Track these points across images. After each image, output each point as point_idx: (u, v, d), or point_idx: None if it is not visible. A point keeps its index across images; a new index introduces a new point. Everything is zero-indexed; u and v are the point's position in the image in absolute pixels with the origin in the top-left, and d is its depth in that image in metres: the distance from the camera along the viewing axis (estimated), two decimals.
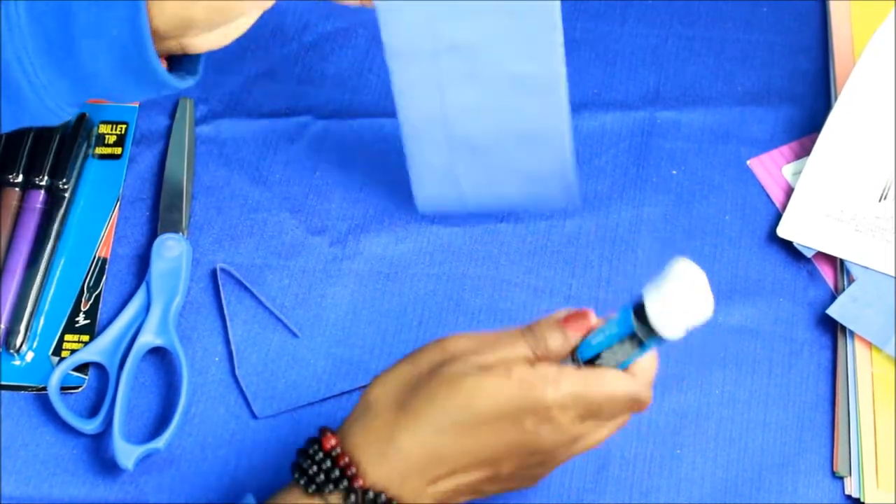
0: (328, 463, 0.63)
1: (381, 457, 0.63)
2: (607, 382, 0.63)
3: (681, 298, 0.59)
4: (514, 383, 0.62)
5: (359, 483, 0.63)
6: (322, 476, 0.63)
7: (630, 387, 0.64)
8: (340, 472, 0.63)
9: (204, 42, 0.71)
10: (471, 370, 0.63)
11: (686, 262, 0.59)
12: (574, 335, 0.65)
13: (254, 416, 0.76)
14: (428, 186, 0.79)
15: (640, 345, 0.62)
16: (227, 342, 0.78)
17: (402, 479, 0.63)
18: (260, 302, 0.80)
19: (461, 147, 0.77)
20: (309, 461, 0.64)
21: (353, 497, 0.63)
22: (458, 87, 0.74)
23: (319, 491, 0.63)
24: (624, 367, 0.64)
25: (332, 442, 0.63)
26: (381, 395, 0.64)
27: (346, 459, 0.63)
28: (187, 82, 0.72)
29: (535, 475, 0.66)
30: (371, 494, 0.62)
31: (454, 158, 0.77)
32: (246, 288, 0.80)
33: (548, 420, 0.63)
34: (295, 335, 0.79)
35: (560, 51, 0.72)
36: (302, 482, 0.63)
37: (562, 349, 0.64)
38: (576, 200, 0.79)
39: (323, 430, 0.64)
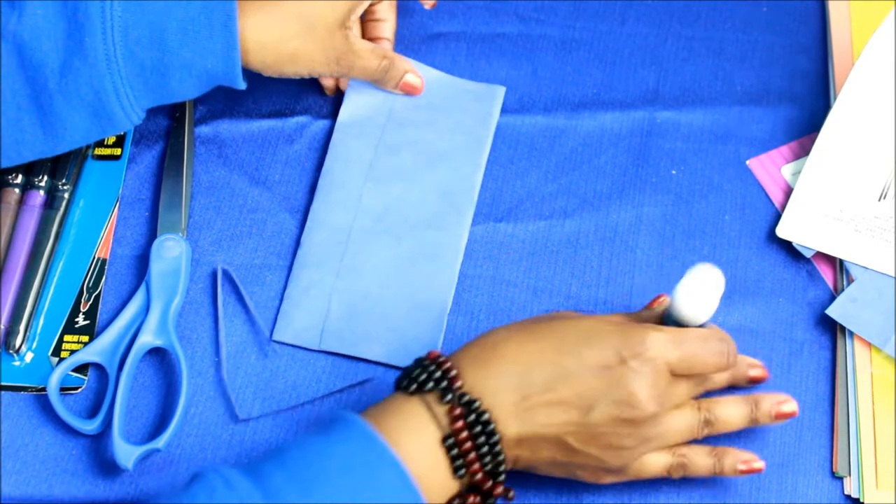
0: (432, 367, 0.67)
1: (483, 363, 0.67)
2: (696, 331, 0.70)
3: (693, 291, 0.69)
4: (618, 326, 0.69)
5: (457, 384, 0.66)
6: (424, 375, 0.67)
7: (715, 331, 0.71)
8: (442, 374, 0.67)
9: None
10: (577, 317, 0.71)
11: (704, 266, 0.69)
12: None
13: (236, 418, 0.76)
14: (295, 317, 0.79)
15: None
16: (233, 333, 0.78)
17: (496, 389, 0.66)
18: (258, 303, 0.80)
19: (347, 286, 0.79)
20: (414, 366, 0.68)
21: (448, 396, 0.66)
22: (368, 233, 0.81)
23: (420, 389, 0.67)
24: None
25: (438, 353, 0.68)
26: (494, 330, 0.70)
27: (448, 364, 0.67)
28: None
29: (614, 462, 0.69)
30: (466, 397, 0.66)
31: (335, 295, 0.79)
32: (245, 288, 0.80)
33: (646, 362, 0.67)
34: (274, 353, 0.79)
35: (463, 240, 0.81)
36: (404, 384, 0.67)
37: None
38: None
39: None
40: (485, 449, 0.66)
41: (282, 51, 0.78)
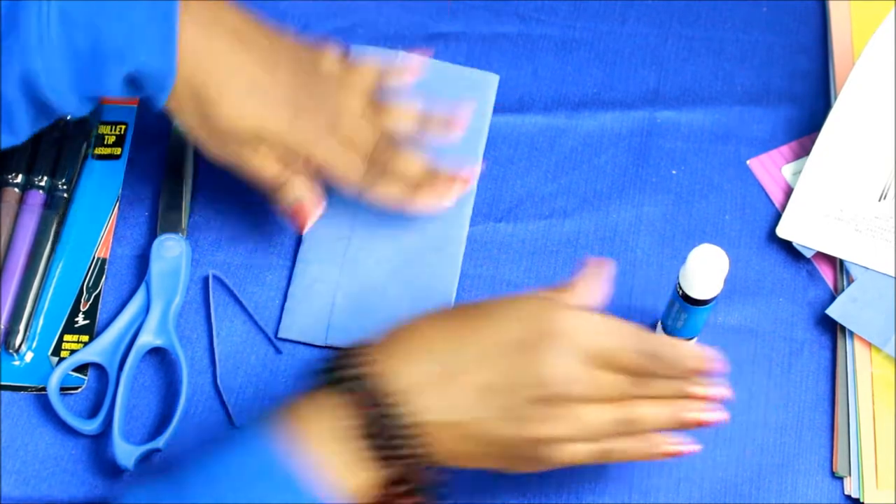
0: (348, 358, 0.65)
1: (400, 351, 0.65)
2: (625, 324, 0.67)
3: (695, 271, 0.70)
4: (542, 303, 0.66)
5: (371, 374, 0.64)
6: (339, 368, 0.65)
7: (640, 332, 0.67)
8: (357, 365, 0.64)
9: None
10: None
11: (704, 247, 0.70)
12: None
13: (232, 426, 0.76)
14: (300, 314, 0.79)
15: (682, 306, 0.72)
16: (227, 344, 0.78)
17: (411, 376, 0.64)
18: (258, 303, 0.80)
19: (352, 281, 0.80)
20: (333, 358, 0.66)
21: (361, 387, 0.64)
22: (370, 227, 0.82)
23: (336, 382, 0.64)
24: (677, 331, 0.75)
25: (358, 344, 0.66)
26: (415, 318, 0.68)
27: (363, 355, 0.65)
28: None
29: (532, 446, 0.66)
30: (380, 387, 0.64)
31: (340, 290, 0.80)
32: (242, 291, 0.80)
33: (561, 338, 0.65)
34: (278, 351, 0.79)
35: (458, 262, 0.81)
36: (322, 377, 0.65)
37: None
38: None
39: None
40: (401, 436, 0.64)
41: (203, 92, 0.73)
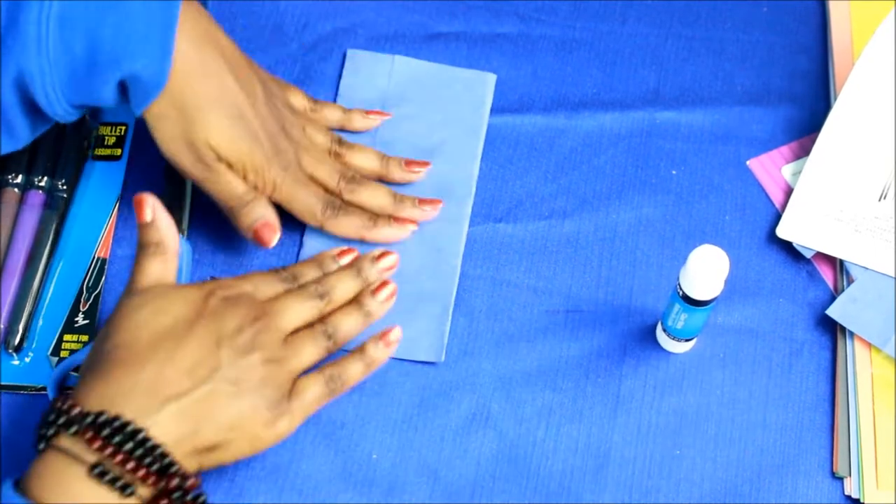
0: (49, 414, 0.65)
1: (99, 380, 0.66)
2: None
3: (696, 272, 0.70)
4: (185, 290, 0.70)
5: (75, 411, 0.64)
6: (43, 425, 0.65)
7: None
8: (57, 412, 0.65)
9: None
10: None
11: (705, 247, 0.70)
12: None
13: None
14: None
15: (682, 307, 0.72)
16: None
17: (120, 395, 0.65)
18: None
19: None
20: (40, 422, 0.66)
21: (73, 427, 0.64)
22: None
23: (49, 440, 0.65)
24: (678, 331, 0.75)
25: (54, 399, 0.66)
26: (97, 341, 0.69)
27: (60, 401, 0.65)
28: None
29: (270, 399, 0.68)
30: (90, 416, 0.64)
31: None
32: None
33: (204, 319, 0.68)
34: None
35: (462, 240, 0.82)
36: (37, 444, 0.65)
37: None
38: (440, 357, 0.78)
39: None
40: (138, 452, 0.64)
41: (186, 103, 0.73)
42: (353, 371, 0.73)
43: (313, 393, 0.70)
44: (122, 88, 0.72)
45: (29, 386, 0.76)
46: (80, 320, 0.78)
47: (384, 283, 0.76)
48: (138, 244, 0.72)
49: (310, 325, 0.72)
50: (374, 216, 0.80)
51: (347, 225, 0.79)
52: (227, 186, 0.76)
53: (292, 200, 0.78)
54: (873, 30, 0.86)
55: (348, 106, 0.85)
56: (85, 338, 0.77)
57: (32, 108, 0.72)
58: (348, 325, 0.74)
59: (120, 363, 0.66)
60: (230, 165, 0.75)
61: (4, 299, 0.77)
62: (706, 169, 0.85)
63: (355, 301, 0.75)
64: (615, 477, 0.75)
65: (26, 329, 0.77)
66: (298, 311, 0.72)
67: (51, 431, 0.65)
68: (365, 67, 0.87)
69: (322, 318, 0.73)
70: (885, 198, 0.82)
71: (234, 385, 0.67)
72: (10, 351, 0.77)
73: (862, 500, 0.74)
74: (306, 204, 0.78)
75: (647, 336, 0.79)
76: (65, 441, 0.64)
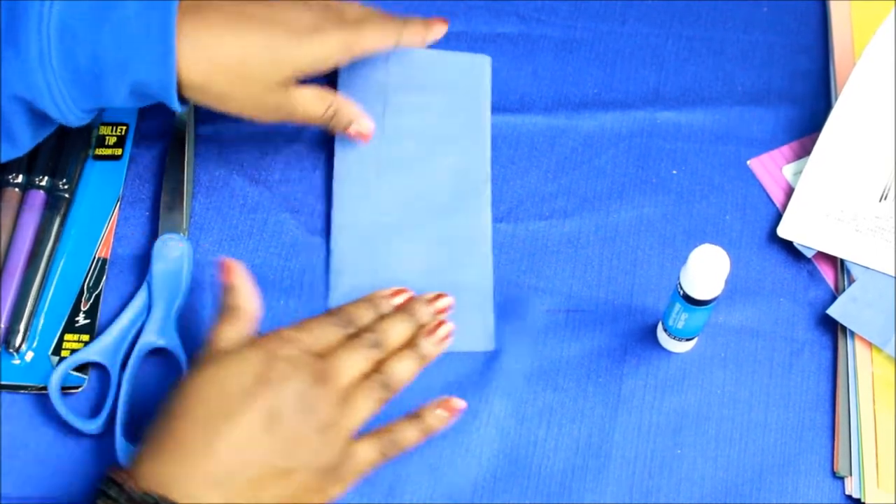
0: (110, 490, 0.65)
1: (158, 460, 0.66)
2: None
3: (696, 271, 0.70)
4: (257, 351, 0.69)
5: (130, 486, 0.64)
6: (104, 498, 0.65)
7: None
8: (120, 490, 0.64)
9: None
10: None
11: (705, 247, 0.70)
12: None
13: None
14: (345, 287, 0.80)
15: (683, 307, 0.72)
16: None
17: (179, 477, 0.65)
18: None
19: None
20: (99, 494, 0.65)
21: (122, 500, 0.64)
22: (395, 229, 0.81)
23: None
24: (678, 331, 0.75)
25: (116, 470, 0.66)
26: (160, 419, 0.68)
27: (122, 478, 0.65)
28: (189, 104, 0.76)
29: (324, 461, 0.68)
30: (152, 498, 0.64)
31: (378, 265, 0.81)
32: None
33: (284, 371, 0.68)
34: None
35: (487, 212, 0.82)
36: None
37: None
38: (490, 345, 0.78)
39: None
40: None
41: (211, 90, 0.73)
42: (409, 435, 0.73)
43: (367, 458, 0.71)
44: (140, 93, 0.72)
45: (29, 385, 0.76)
46: (81, 320, 0.78)
47: (440, 324, 0.75)
48: (220, 304, 0.72)
49: (365, 375, 0.72)
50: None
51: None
52: (306, 116, 0.77)
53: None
54: (874, 30, 0.86)
55: (349, 97, 0.83)
56: (86, 337, 0.77)
57: (36, 117, 0.72)
58: (403, 371, 0.73)
59: (174, 438, 0.66)
60: (286, 85, 0.74)
61: (5, 299, 0.77)
62: (707, 169, 0.85)
63: (410, 344, 0.74)
64: (616, 476, 0.75)
65: (27, 329, 0.77)
66: (355, 362, 0.71)
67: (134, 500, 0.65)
68: (357, 80, 0.86)
69: (377, 366, 0.72)
70: (885, 198, 0.82)
71: (287, 460, 0.67)
72: (11, 350, 0.77)
73: (863, 500, 0.74)
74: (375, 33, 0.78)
75: (647, 336, 0.79)
76: None
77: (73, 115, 0.72)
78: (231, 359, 0.69)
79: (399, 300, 0.76)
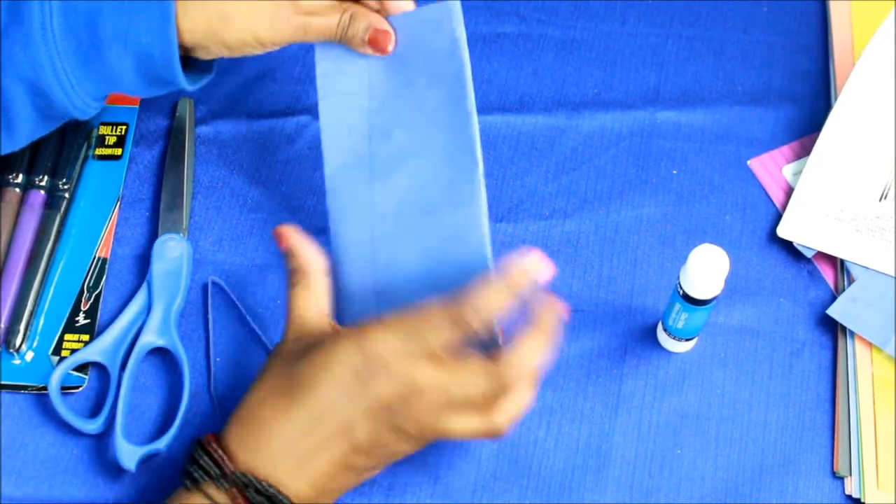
0: (202, 456, 0.66)
1: (250, 436, 0.66)
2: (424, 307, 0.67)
3: (696, 271, 0.70)
4: (349, 343, 0.66)
5: (229, 467, 0.65)
6: (195, 466, 0.66)
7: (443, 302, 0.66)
8: (212, 461, 0.65)
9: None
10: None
11: (705, 247, 0.70)
12: None
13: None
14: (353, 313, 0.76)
15: (683, 306, 0.72)
16: (230, 342, 0.78)
17: (269, 459, 0.65)
18: (259, 303, 0.80)
19: (390, 298, 0.75)
20: (189, 461, 0.66)
21: (225, 483, 0.65)
22: (391, 239, 0.75)
23: (197, 483, 0.65)
24: (678, 331, 0.75)
25: (209, 439, 0.66)
26: (251, 392, 0.68)
27: (217, 448, 0.65)
28: (202, 82, 0.75)
29: (403, 444, 0.67)
30: (243, 477, 0.64)
31: (382, 311, 0.74)
32: (243, 291, 0.80)
33: (378, 365, 0.65)
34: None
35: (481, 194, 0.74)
36: (186, 483, 0.66)
37: None
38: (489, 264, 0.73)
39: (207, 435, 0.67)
40: None
41: (210, 15, 0.70)
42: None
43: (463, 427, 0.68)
44: (149, 74, 0.71)
45: (30, 385, 0.76)
46: (81, 320, 0.78)
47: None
48: (287, 270, 0.71)
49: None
50: None
51: None
52: (322, 28, 0.72)
53: None
54: (874, 30, 0.86)
55: (330, 96, 0.78)
56: (86, 337, 0.77)
57: (40, 105, 0.71)
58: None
59: (273, 415, 0.66)
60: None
61: (5, 299, 0.77)
62: (707, 169, 0.85)
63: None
64: (616, 476, 0.75)
65: (27, 329, 0.77)
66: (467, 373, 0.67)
67: (203, 478, 0.65)
68: (335, 49, 0.78)
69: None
70: (885, 198, 0.82)
71: (388, 459, 0.68)
72: (11, 350, 0.77)
73: (862, 500, 0.74)
74: None
75: (647, 335, 0.79)
76: (211, 489, 0.65)
77: (77, 98, 0.71)
78: (330, 344, 0.67)
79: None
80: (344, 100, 0.77)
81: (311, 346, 0.67)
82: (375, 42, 0.73)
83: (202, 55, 0.72)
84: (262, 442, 0.65)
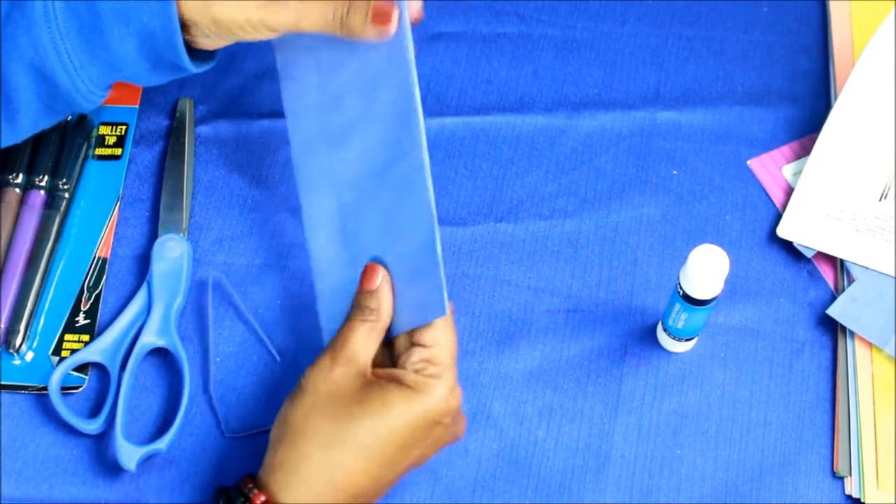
0: (239, 499, 0.66)
1: (291, 475, 0.66)
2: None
3: (696, 271, 0.70)
4: (404, 410, 0.68)
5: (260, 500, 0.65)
6: None
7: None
8: (245, 499, 0.65)
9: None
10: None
11: (705, 247, 0.70)
12: None
13: (223, 434, 0.76)
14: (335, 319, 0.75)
15: (683, 306, 0.73)
16: (230, 342, 0.78)
17: (315, 497, 0.65)
18: (258, 303, 0.80)
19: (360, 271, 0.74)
20: (220, 498, 0.67)
21: None
22: (354, 210, 0.75)
23: None
24: (678, 331, 0.75)
25: (247, 478, 0.67)
26: (292, 423, 0.68)
27: (254, 490, 0.66)
28: (206, 66, 0.74)
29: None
30: None
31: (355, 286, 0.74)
32: (243, 291, 0.80)
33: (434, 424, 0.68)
34: (275, 358, 0.78)
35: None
36: None
37: None
38: (443, 311, 0.70)
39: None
40: None
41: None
42: None
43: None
44: (154, 55, 0.70)
45: (30, 386, 0.76)
46: (81, 320, 0.78)
47: None
48: (353, 305, 0.72)
49: None
50: None
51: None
52: (318, 19, 0.70)
53: None
54: (874, 30, 0.86)
55: (287, 79, 0.77)
56: (86, 337, 0.77)
57: (44, 93, 0.71)
58: None
59: (307, 450, 0.67)
60: None
61: (5, 299, 0.77)
62: (707, 169, 0.85)
63: None
64: (616, 476, 0.75)
65: (27, 329, 0.77)
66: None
67: None
68: (290, 51, 0.77)
69: None
70: (885, 197, 0.82)
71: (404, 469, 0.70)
72: (11, 350, 0.77)
73: (862, 500, 0.74)
74: None
75: (647, 336, 0.79)
76: None
77: (82, 83, 0.70)
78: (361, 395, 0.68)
79: None
80: (300, 81, 0.76)
81: (366, 396, 0.68)
82: (378, 19, 0.69)
83: (201, 40, 0.72)
84: (306, 480, 0.66)
